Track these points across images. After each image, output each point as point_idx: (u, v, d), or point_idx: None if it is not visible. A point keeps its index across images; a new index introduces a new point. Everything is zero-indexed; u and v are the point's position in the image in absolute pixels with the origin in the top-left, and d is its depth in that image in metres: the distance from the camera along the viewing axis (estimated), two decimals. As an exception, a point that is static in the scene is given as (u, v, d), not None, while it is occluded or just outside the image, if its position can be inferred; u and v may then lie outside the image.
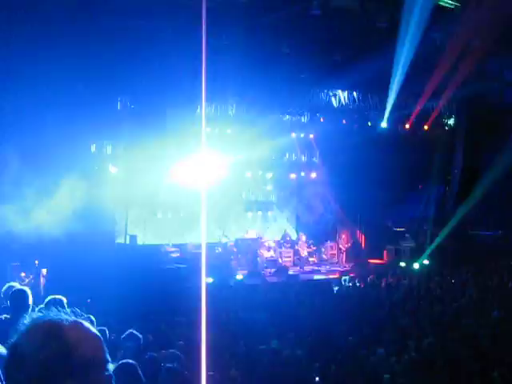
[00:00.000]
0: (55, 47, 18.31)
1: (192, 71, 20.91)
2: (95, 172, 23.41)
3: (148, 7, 18.35)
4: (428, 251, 26.43)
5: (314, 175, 29.81)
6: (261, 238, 27.63)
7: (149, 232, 26.68)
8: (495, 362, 10.33)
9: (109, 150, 24.23)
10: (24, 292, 7.56)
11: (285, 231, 29.49)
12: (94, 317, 7.57)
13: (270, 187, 29.79)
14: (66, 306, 7.54)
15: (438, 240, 26.77)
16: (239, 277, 22.91)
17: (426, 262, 25.91)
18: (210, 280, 22.16)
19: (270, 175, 28.96)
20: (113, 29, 18.89)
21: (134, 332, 8.72)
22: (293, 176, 29.77)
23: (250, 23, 19.77)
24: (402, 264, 25.69)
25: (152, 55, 20.41)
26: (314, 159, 29.94)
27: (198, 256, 24.12)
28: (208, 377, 8.54)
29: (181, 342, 10.40)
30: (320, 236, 29.31)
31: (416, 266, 25.65)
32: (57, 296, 8.20)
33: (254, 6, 18.35)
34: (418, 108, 25.33)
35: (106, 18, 18.61)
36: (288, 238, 28.69)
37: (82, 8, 18.23)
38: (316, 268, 27.14)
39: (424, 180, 30.21)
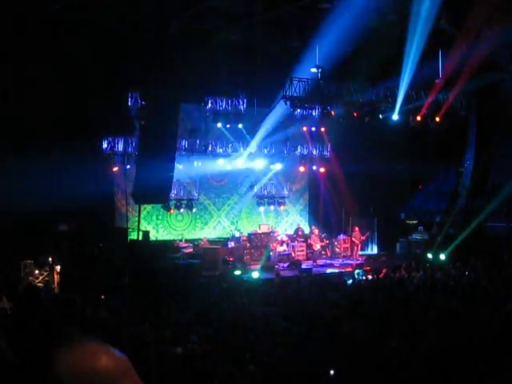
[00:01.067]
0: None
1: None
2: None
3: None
4: (441, 244, 26.35)
5: (325, 169, 29.81)
6: (273, 233, 27.66)
7: (161, 228, 26.83)
8: (508, 354, 10.30)
9: (120, 146, 24.35)
10: (36, 289, 7.63)
11: (298, 225, 29.52)
12: (108, 312, 7.62)
13: (281, 181, 29.81)
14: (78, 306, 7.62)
15: (450, 232, 26.71)
16: (255, 274, 22.88)
17: (442, 254, 25.82)
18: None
19: (281, 169, 28.98)
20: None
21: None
22: (304, 169, 29.77)
23: (260, 17, 19.78)
24: (416, 257, 25.58)
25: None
26: (326, 152, 29.90)
27: (211, 251, 24.24)
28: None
29: (194, 337, 10.44)
30: (333, 229, 29.31)
31: (430, 257, 25.60)
32: (70, 295, 8.25)
33: (263, 1, 18.36)
34: (429, 100, 25.20)
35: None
36: (300, 232, 28.72)
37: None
38: (329, 262, 27.15)
39: (436, 172, 30.14)
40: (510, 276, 20.02)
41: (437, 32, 20.49)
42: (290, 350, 10.25)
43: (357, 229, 28.00)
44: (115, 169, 24.51)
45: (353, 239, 28.14)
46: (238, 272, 22.77)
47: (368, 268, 23.97)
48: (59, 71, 20.08)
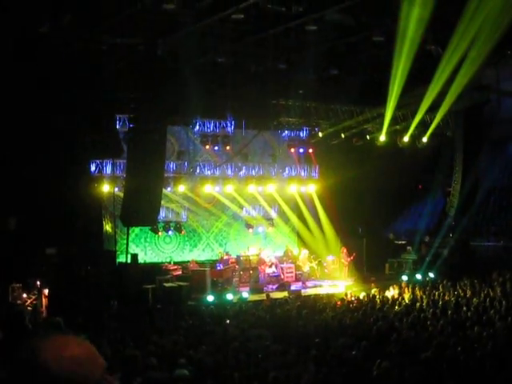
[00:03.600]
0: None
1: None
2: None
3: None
4: (430, 264, 26.44)
5: (313, 189, 29.85)
6: (262, 254, 27.58)
7: (149, 250, 26.73)
8: (499, 372, 10.29)
9: (108, 169, 24.32)
10: (20, 313, 7.58)
11: (286, 247, 29.45)
12: (95, 336, 7.55)
13: (270, 203, 29.81)
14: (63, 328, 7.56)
15: (439, 252, 26.81)
16: (244, 294, 22.87)
17: (431, 274, 25.91)
18: (212, 298, 22.16)
19: (269, 190, 29.00)
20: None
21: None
22: (293, 191, 29.82)
23: (246, 40, 19.86)
24: (404, 277, 25.62)
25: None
26: (314, 174, 29.98)
27: (199, 273, 24.15)
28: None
29: (182, 360, 10.33)
30: (321, 251, 29.25)
31: (418, 277, 25.65)
32: (55, 318, 8.17)
33: (250, 23, 18.43)
34: (416, 120, 25.34)
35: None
36: (290, 254, 28.66)
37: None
38: (318, 283, 27.09)
39: (424, 192, 30.24)
40: (499, 295, 20.06)
41: (423, 53, 20.63)
42: (281, 371, 10.17)
43: (345, 250, 27.98)
44: (103, 191, 24.42)
45: (342, 260, 28.09)
46: (229, 295, 22.69)
47: (357, 288, 23.98)
48: (46, 94, 20.06)
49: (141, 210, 21.00)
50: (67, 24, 17.69)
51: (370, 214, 28.67)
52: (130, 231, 23.90)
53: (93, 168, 24.13)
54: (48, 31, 17.97)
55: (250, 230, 29.09)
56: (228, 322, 16.59)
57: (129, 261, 22.56)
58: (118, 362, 8.56)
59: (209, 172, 27.15)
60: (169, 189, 25.67)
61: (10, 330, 7.30)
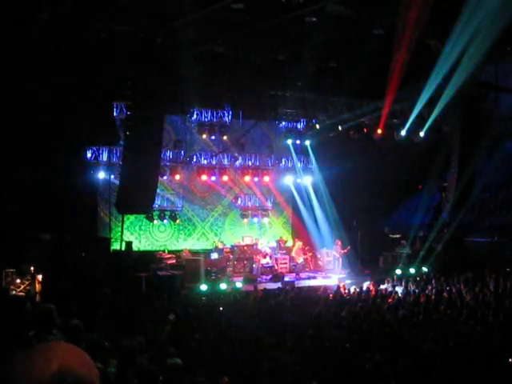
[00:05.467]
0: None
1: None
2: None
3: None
4: (424, 258, 26.51)
5: (309, 181, 29.87)
6: (257, 245, 27.60)
7: (144, 238, 26.73)
8: (490, 368, 10.34)
9: (104, 156, 24.29)
10: (21, 300, 7.57)
11: (279, 238, 29.46)
12: (90, 323, 7.53)
13: (265, 193, 29.84)
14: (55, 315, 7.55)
15: (433, 247, 26.86)
16: (238, 284, 22.94)
17: (424, 269, 25.99)
18: (205, 287, 22.18)
19: (265, 181, 29.02)
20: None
21: None
22: (288, 182, 29.86)
23: (245, 30, 19.80)
24: (398, 271, 25.68)
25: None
26: (310, 165, 30.00)
27: (193, 262, 24.15)
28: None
29: (172, 349, 10.32)
30: (316, 242, 29.28)
31: (412, 271, 25.72)
32: (46, 305, 8.14)
33: (250, 14, 18.37)
34: (413, 114, 25.32)
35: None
36: (282, 244, 28.68)
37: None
38: (312, 275, 27.13)
39: (420, 187, 30.24)
40: (493, 291, 20.14)
41: (422, 47, 20.61)
42: (275, 362, 10.20)
43: (339, 242, 27.99)
44: (99, 178, 24.39)
45: (333, 252, 28.11)
46: (223, 285, 22.72)
47: (351, 281, 24.05)
48: (44, 81, 20.02)
49: (136, 197, 20.98)
50: (66, 10, 17.62)
51: (366, 207, 28.70)
52: (125, 219, 23.90)
53: (89, 155, 24.11)
54: (47, 17, 17.89)
55: (245, 220, 29.10)
56: (221, 309, 16.66)
57: (123, 248, 22.55)
58: (111, 351, 8.56)
59: (205, 161, 27.15)
60: (165, 177, 25.66)
61: (9, 315, 7.28)
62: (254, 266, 26.13)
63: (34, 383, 2.05)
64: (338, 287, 22.47)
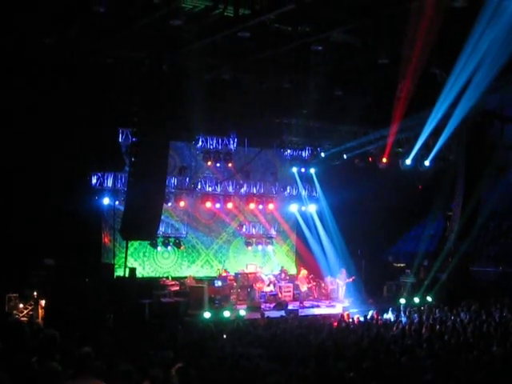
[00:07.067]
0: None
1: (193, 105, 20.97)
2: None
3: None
4: (428, 287, 26.39)
5: (314, 209, 29.84)
6: (258, 273, 27.47)
7: (147, 265, 26.66)
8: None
9: (109, 182, 24.30)
10: (20, 324, 7.52)
11: (282, 267, 29.29)
12: (92, 349, 7.47)
13: (270, 221, 29.78)
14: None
15: (438, 276, 26.75)
16: (242, 312, 22.81)
17: (429, 298, 25.86)
18: (209, 314, 22.06)
19: (270, 209, 28.98)
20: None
21: None
22: (293, 210, 29.84)
23: (251, 58, 19.90)
24: (402, 300, 25.55)
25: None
26: (315, 193, 29.99)
27: (197, 290, 24.06)
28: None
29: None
30: (320, 271, 29.16)
31: (416, 301, 25.58)
32: (50, 331, 8.09)
33: (255, 42, 18.47)
34: (418, 144, 25.36)
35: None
36: (284, 274, 28.47)
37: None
38: (316, 303, 26.99)
39: (425, 216, 30.17)
40: (497, 321, 19.98)
41: (427, 76, 20.69)
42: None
43: (344, 271, 27.87)
44: (104, 204, 24.37)
45: (338, 281, 27.97)
46: (226, 312, 22.60)
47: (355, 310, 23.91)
48: (49, 106, 20.12)
49: (140, 224, 20.95)
50: (73, 36, 17.75)
51: (370, 235, 28.63)
52: (129, 245, 23.84)
53: (94, 180, 24.11)
54: (53, 42, 18.02)
55: (249, 248, 29.02)
56: (225, 336, 16.54)
57: (127, 275, 22.48)
58: (113, 376, 8.49)
59: (210, 188, 27.13)
60: (169, 204, 25.63)
61: (8, 340, 7.23)
62: (257, 293, 26.03)
63: None
64: (342, 316, 22.35)
